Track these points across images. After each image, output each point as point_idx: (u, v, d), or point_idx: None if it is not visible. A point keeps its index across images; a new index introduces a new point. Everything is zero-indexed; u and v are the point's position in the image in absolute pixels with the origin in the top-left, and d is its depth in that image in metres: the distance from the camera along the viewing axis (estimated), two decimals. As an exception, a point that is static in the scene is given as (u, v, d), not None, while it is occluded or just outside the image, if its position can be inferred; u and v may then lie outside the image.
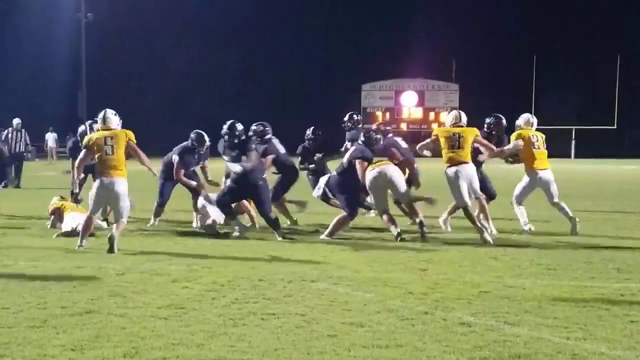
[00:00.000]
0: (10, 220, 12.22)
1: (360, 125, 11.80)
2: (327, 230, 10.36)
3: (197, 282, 6.98)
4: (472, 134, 10.46)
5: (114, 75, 58.73)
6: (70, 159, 12.29)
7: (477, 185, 10.45)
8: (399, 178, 10.45)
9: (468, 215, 10.22)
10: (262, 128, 11.71)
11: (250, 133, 11.42)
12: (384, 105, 61.67)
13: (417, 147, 10.87)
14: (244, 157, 10.31)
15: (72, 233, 10.13)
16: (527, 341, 5.04)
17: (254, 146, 10.66)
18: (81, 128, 12.24)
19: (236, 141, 10.44)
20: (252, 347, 4.88)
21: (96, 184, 9.48)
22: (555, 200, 10.96)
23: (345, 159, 10.68)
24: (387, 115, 61.02)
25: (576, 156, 54.78)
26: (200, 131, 11.56)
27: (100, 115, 9.67)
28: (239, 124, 10.60)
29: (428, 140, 10.83)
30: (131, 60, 62.02)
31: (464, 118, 10.69)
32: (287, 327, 5.38)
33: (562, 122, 54.17)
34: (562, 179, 11.22)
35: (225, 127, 10.56)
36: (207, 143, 11.53)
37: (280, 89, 65.84)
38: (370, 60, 63.30)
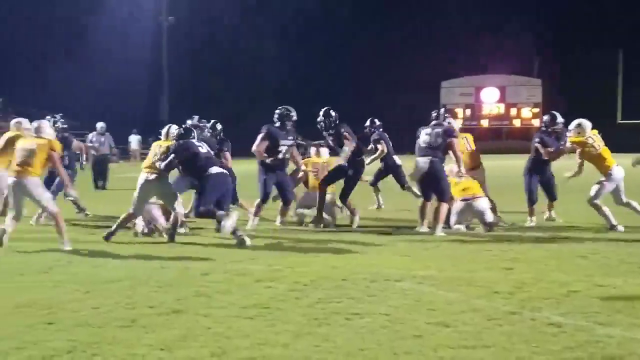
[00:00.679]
0: (98, 222, 12.51)
1: (337, 122, 11.51)
2: (438, 225, 10.44)
3: (280, 282, 7.00)
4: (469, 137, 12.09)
5: (187, 77, 59.24)
6: None
7: None
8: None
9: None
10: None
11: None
12: (464, 101, 61.06)
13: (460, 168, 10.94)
14: None
15: (148, 233, 10.56)
16: (621, 342, 4.89)
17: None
18: (188, 122, 12.28)
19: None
20: (337, 347, 4.86)
21: (141, 180, 10.22)
22: (625, 199, 10.81)
23: (429, 140, 10.81)
24: (468, 112, 60.40)
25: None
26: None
27: (165, 130, 10.83)
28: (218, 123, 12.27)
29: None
30: (204, 60, 62.34)
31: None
32: (371, 327, 5.34)
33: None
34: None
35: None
36: (294, 117, 11.38)
37: (346, 85, 64.56)
38: (450, 57, 62.35)
